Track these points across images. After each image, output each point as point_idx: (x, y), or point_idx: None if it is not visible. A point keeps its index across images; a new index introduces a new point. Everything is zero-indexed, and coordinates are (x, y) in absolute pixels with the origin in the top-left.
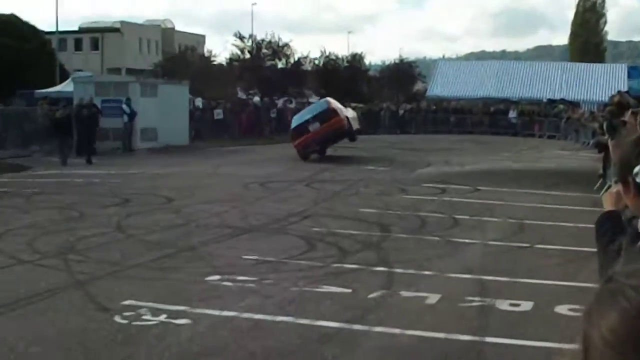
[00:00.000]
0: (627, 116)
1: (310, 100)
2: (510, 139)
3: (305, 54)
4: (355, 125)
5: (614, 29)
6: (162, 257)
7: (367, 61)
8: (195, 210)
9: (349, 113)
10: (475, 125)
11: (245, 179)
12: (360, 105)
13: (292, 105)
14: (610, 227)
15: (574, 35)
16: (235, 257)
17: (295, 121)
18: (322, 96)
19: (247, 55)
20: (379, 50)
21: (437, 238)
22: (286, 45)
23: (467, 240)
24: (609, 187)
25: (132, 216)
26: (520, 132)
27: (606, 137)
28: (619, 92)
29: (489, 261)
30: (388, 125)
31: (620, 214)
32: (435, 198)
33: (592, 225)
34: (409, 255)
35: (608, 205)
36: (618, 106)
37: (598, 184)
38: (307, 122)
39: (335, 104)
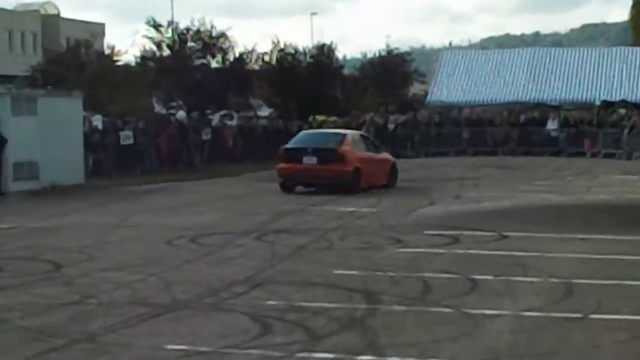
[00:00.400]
0: None
1: (260, 113)
2: (549, 161)
3: (250, 47)
4: (378, 179)
5: None
6: (47, 351)
7: (340, 54)
8: (95, 281)
9: (380, 156)
10: (498, 143)
11: (168, 232)
12: (333, 118)
13: (234, 122)
14: None
15: (636, 8)
16: (154, 347)
17: (296, 141)
18: (276, 107)
19: (167, 52)
20: (358, 39)
21: (447, 310)
22: (222, 35)
23: (491, 312)
24: None
25: (2, 292)
26: (565, 149)
27: None
28: None
29: (523, 342)
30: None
31: None
32: (444, 251)
33: None
34: (407, 336)
35: None
36: None
37: None
38: (304, 150)
39: (352, 142)
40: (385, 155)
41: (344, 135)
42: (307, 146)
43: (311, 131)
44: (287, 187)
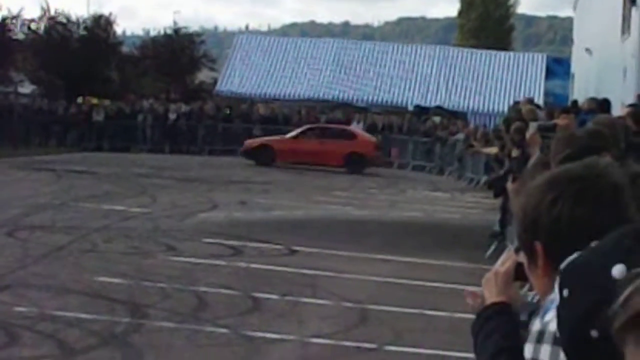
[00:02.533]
0: (530, 133)
1: (21, 90)
2: None
3: (15, 12)
4: None
5: None
6: None
7: (119, 29)
8: None
9: None
10: None
11: None
12: (107, 102)
13: None
14: (500, 327)
15: (466, 3)
16: None
17: None
18: (40, 84)
19: None
20: (141, 13)
21: (224, 330)
22: None
23: (273, 336)
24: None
25: None
26: None
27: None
28: (527, 99)
29: None
30: (151, 138)
31: (511, 309)
32: (224, 263)
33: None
34: (175, 357)
35: (493, 292)
36: (523, 121)
37: (492, 249)
38: None
39: None
40: None
41: None
42: None
43: None
44: None
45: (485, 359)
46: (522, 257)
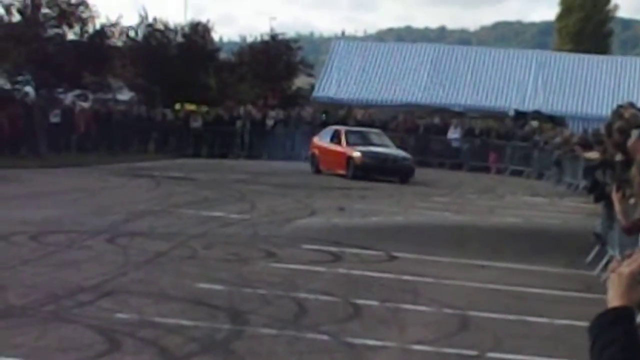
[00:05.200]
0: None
1: (120, 97)
2: (449, 175)
3: (114, 20)
4: None
5: (628, 1)
6: None
7: (216, 36)
8: None
9: None
10: None
11: (3, 226)
12: (205, 108)
13: (87, 104)
14: (619, 338)
15: (566, 7)
16: None
17: None
18: (139, 91)
19: (17, 17)
20: (239, 19)
21: (324, 337)
22: (82, 3)
23: (374, 342)
24: (611, 260)
25: None
26: (467, 162)
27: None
28: (630, 103)
29: None
30: (249, 144)
31: (633, 315)
32: (323, 269)
33: (585, 324)
34: None
35: (616, 294)
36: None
37: (593, 254)
38: None
39: None
40: None
41: None
42: None
43: None
44: None
45: None
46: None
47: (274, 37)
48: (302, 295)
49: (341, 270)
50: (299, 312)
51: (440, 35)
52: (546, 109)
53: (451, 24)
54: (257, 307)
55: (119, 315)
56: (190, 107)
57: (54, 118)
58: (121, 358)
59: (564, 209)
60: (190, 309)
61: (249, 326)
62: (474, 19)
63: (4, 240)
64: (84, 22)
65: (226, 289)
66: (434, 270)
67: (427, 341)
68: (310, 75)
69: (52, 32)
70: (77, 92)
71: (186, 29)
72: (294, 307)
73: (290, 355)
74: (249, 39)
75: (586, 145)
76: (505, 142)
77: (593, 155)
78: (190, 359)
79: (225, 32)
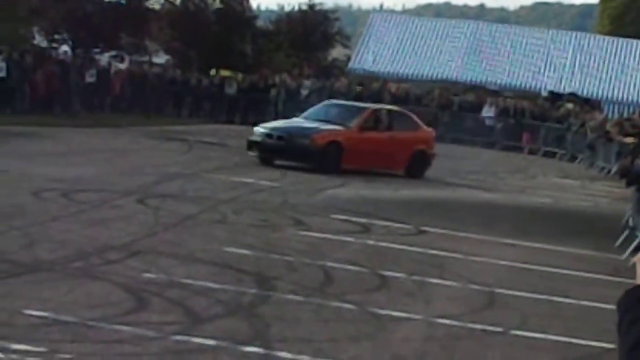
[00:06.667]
0: None
1: (155, 59)
2: (481, 152)
3: None
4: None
5: None
6: None
7: (254, 3)
8: None
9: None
10: (425, 125)
11: (36, 182)
12: (239, 75)
13: (124, 66)
14: None
15: None
16: (10, 311)
17: None
18: (174, 54)
19: None
20: None
21: (350, 306)
22: None
23: (399, 314)
24: None
25: None
26: (500, 141)
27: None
28: None
29: (433, 352)
30: (282, 111)
31: None
32: (352, 239)
33: (611, 307)
34: (301, 331)
35: None
36: None
37: (623, 238)
38: None
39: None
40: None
41: None
42: None
43: None
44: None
45: (625, 346)
46: None
47: (312, 6)
48: (329, 264)
49: (369, 242)
50: (325, 280)
51: (479, 13)
52: (582, 91)
53: (490, 2)
54: (284, 274)
55: (147, 274)
56: (225, 73)
57: (90, 78)
58: (148, 317)
59: (595, 192)
60: (217, 272)
61: (275, 292)
62: None
63: (35, 197)
64: None
65: (254, 254)
66: (462, 247)
67: (452, 316)
68: (346, 46)
69: None
70: (114, 53)
71: None
72: (321, 276)
73: (315, 322)
74: (287, 8)
75: (621, 130)
76: (539, 122)
77: (629, 139)
78: (216, 321)
79: (262, 0)
